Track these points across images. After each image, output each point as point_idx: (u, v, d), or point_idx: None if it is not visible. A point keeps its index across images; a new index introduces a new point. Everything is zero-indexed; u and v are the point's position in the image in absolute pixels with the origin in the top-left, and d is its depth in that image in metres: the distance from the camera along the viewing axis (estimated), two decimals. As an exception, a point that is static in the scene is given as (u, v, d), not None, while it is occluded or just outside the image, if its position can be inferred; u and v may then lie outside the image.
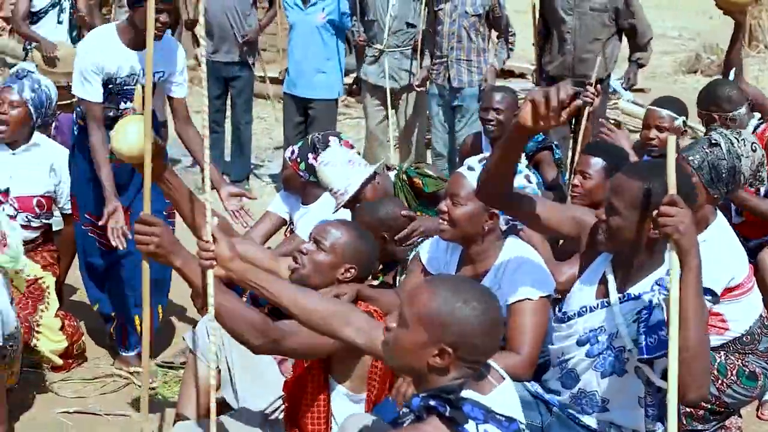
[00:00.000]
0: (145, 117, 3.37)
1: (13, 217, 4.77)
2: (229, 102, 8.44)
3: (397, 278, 4.37)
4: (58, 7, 7.86)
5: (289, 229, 5.18)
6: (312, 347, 3.04)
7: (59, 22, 7.86)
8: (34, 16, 7.86)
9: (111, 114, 4.67)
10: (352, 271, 3.55)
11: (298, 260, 3.62)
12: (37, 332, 4.69)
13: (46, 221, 5.04)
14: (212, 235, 2.86)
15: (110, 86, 4.62)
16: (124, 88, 4.66)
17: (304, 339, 2.98)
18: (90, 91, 4.60)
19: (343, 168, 4.57)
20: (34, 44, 7.77)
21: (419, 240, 4.20)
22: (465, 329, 2.31)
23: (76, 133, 4.83)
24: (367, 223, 4.10)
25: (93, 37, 4.76)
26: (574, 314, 3.26)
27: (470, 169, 3.55)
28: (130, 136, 3.26)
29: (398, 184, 4.75)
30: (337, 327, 2.82)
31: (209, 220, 2.88)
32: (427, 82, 7.51)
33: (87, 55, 4.65)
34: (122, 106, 4.67)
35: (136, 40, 4.57)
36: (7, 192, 4.87)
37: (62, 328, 4.79)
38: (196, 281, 2.92)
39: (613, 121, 8.62)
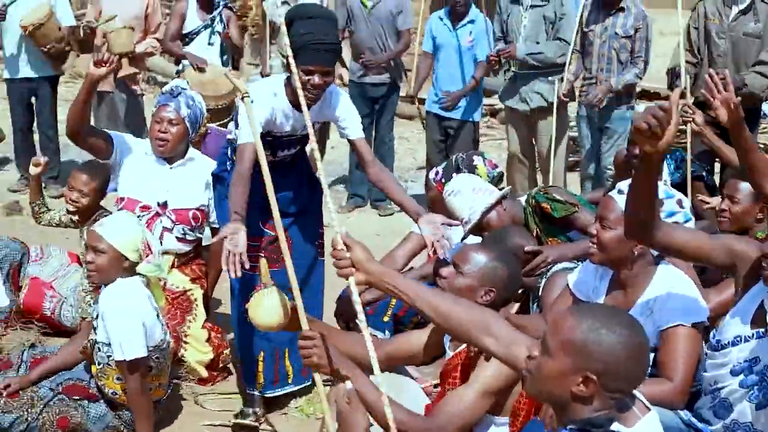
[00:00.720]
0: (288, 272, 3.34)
1: (169, 230, 4.93)
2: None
3: (530, 306, 4.33)
4: (209, 29, 8.10)
5: (432, 250, 5.17)
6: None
7: (210, 44, 8.11)
8: (186, 38, 8.13)
9: (281, 158, 4.62)
10: (491, 294, 3.53)
11: (439, 284, 3.65)
12: (185, 342, 4.83)
13: (200, 234, 5.14)
14: (344, 242, 2.88)
15: (269, 138, 4.46)
16: (283, 140, 4.55)
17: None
18: (247, 137, 4.30)
19: (468, 196, 4.57)
20: (185, 62, 8.05)
21: (549, 269, 4.17)
22: (610, 357, 2.26)
23: (229, 168, 4.69)
24: None
25: (264, 92, 4.43)
26: (728, 343, 3.18)
27: (620, 192, 3.51)
28: (266, 312, 3.33)
29: (527, 210, 4.71)
30: (475, 334, 2.78)
31: (339, 230, 2.90)
32: (575, 102, 7.45)
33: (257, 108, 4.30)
34: (279, 154, 4.58)
35: (295, 100, 4.24)
36: (165, 205, 4.96)
37: (208, 340, 4.91)
38: (364, 394, 2.96)
39: (762, 146, 8.37)
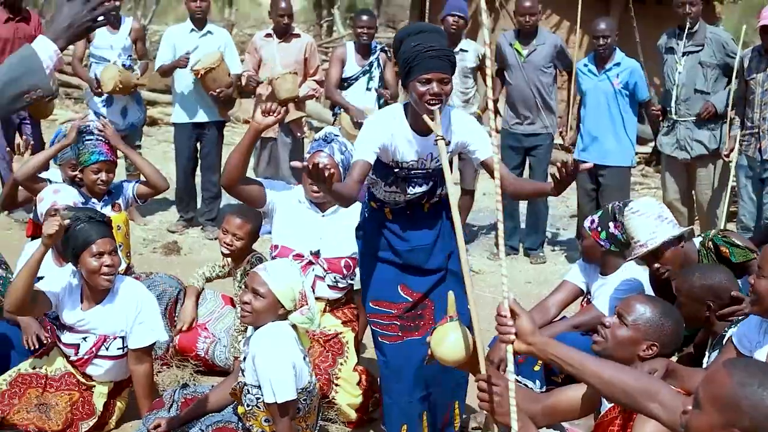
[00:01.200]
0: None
1: (321, 278, 4.96)
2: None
3: (706, 356, 4.17)
4: (367, 75, 8.23)
5: (585, 300, 5.09)
6: None
7: (368, 89, 8.23)
8: (345, 83, 8.28)
9: (398, 199, 4.35)
10: (653, 348, 3.47)
11: (600, 332, 3.60)
12: (336, 385, 4.85)
13: (351, 281, 5.13)
14: (511, 309, 2.86)
15: (396, 170, 4.25)
16: (411, 173, 4.28)
17: None
18: (361, 154, 4.15)
19: (652, 220, 4.46)
20: (341, 109, 8.20)
21: (740, 319, 4.01)
22: (761, 414, 2.21)
23: (366, 215, 4.57)
24: (696, 287, 4.04)
25: (382, 116, 4.36)
26: None
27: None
28: (450, 345, 3.30)
29: (703, 252, 4.57)
30: (641, 402, 2.74)
31: (506, 295, 2.87)
32: (735, 153, 7.24)
33: (375, 133, 4.22)
34: (410, 191, 4.31)
35: (419, 123, 4.17)
36: (317, 254, 4.98)
37: (359, 383, 4.91)
38: None
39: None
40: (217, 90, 8.27)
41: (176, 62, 8.41)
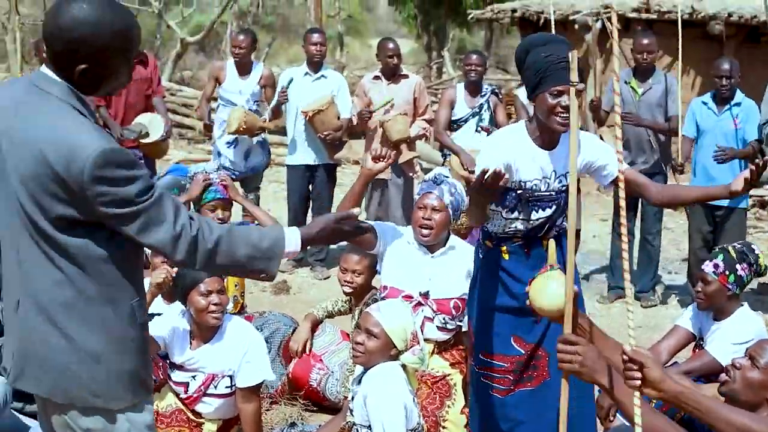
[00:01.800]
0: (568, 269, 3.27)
1: (430, 319, 4.96)
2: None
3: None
4: (477, 117, 8.28)
5: (697, 345, 4.99)
6: None
7: (477, 131, 8.26)
8: (454, 124, 8.33)
9: (520, 226, 4.22)
10: None
11: (729, 373, 3.59)
12: (443, 427, 4.86)
13: (459, 323, 5.11)
14: (635, 359, 2.83)
15: (519, 191, 4.11)
16: (536, 194, 4.14)
17: None
18: (485, 163, 3.94)
19: None
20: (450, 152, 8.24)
21: None
22: None
23: (481, 256, 4.45)
24: None
25: (502, 135, 4.27)
26: None
27: None
28: (551, 293, 3.29)
29: None
30: None
31: (632, 342, 2.84)
32: None
33: (494, 149, 4.12)
34: (533, 216, 4.18)
35: (543, 138, 4.09)
36: (426, 295, 4.96)
37: (466, 425, 4.90)
38: (621, 399, 2.92)
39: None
40: (325, 133, 8.40)
41: (279, 98, 8.61)
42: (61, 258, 2.79)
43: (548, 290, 3.27)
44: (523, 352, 4.26)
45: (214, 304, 4.54)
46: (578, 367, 2.91)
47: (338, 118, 8.47)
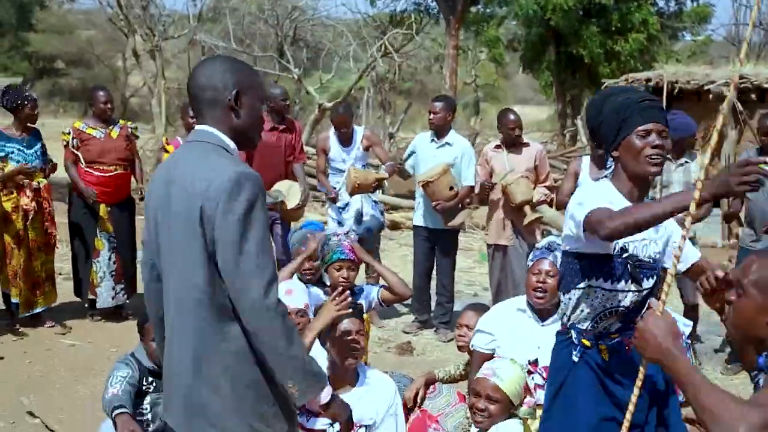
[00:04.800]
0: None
1: (540, 386, 4.99)
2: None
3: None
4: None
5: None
6: None
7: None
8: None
9: (624, 302, 3.72)
10: None
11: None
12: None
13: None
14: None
15: (629, 260, 3.68)
16: (641, 259, 3.71)
17: None
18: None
19: None
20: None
21: None
22: None
23: (575, 361, 3.89)
24: None
25: (594, 190, 3.79)
26: None
27: None
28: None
29: None
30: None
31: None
32: None
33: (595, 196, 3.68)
34: (645, 285, 3.73)
35: (633, 192, 3.70)
36: (536, 362, 4.97)
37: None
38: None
39: None
40: (434, 202, 8.62)
41: (393, 167, 8.97)
42: None
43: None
44: None
45: (354, 343, 4.54)
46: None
47: (451, 188, 8.62)
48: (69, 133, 8.72)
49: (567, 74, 26.47)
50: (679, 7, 24.96)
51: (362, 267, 6.35)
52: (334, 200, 9.10)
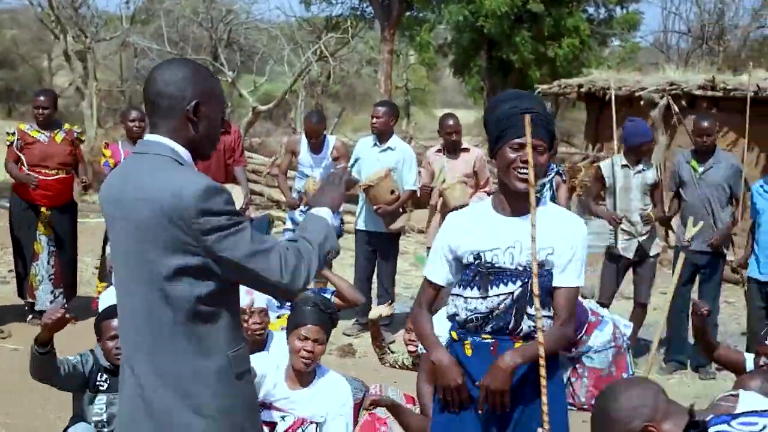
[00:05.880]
0: None
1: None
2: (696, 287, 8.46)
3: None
4: (539, 195, 8.47)
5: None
6: None
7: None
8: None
9: (479, 308, 3.69)
10: None
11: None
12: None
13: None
14: None
15: (477, 261, 3.70)
16: (492, 269, 3.64)
17: None
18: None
19: None
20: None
21: None
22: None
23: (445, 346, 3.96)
24: None
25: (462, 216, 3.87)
26: None
27: None
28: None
29: None
30: None
31: None
32: None
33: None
34: (491, 292, 3.66)
35: (505, 204, 3.66)
36: None
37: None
38: None
39: None
40: (375, 206, 8.74)
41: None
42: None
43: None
44: None
45: (306, 350, 4.62)
46: None
47: (392, 192, 8.73)
48: (14, 134, 8.73)
49: (498, 79, 26.71)
50: (609, 14, 25.37)
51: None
52: (293, 207, 9.20)
